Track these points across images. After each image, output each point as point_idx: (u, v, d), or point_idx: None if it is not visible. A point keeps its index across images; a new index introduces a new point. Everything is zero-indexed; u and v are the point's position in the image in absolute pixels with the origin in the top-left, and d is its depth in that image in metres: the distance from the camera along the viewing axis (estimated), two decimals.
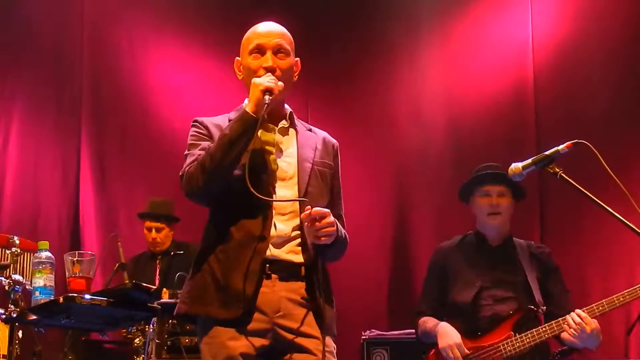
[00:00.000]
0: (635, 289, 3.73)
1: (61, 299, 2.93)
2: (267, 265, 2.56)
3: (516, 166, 2.80)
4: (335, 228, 2.54)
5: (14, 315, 3.10)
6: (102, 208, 6.10)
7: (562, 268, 5.45)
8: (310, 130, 2.83)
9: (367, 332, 5.21)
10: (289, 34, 2.74)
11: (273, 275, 2.57)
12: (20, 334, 3.78)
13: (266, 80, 2.58)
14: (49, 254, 3.10)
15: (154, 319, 4.23)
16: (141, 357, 4.56)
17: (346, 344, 5.20)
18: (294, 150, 2.71)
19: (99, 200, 6.10)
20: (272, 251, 2.57)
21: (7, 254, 3.78)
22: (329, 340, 2.59)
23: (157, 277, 5.50)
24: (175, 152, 6.05)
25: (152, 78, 6.37)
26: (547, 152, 2.75)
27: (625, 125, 5.44)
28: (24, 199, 5.98)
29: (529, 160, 2.77)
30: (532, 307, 3.88)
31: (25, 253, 3.85)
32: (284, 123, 2.74)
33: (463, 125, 5.92)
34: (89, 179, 6.10)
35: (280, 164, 2.67)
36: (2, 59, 6.13)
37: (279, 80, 2.62)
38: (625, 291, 3.74)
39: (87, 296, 2.97)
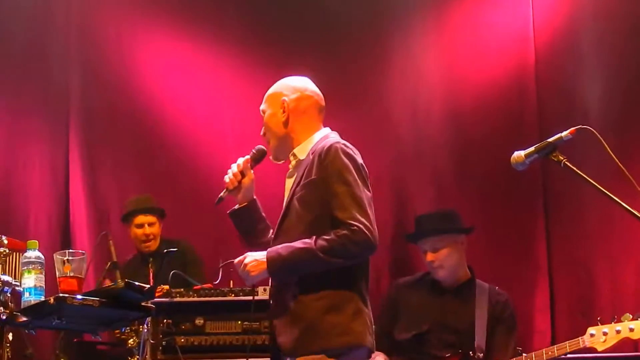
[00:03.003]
0: (577, 340, 3.80)
1: (52, 300, 2.86)
2: None
3: (519, 155, 2.73)
4: (241, 268, 2.81)
5: (4, 317, 3.03)
6: (93, 206, 6.02)
7: (569, 261, 5.35)
8: (313, 152, 2.84)
9: None
10: (272, 89, 3.04)
11: None
12: (10, 336, 3.73)
13: (225, 177, 2.99)
14: (39, 254, 3.03)
15: (148, 319, 4.17)
16: (135, 358, 4.51)
17: None
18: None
19: (89, 198, 6.02)
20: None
21: None
22: None
23: (152, 280, 5.41)
24: (166, 149, 6.04)
25: (141, 74, 6.28)
26: (550, 140, 2.69)
27: (627, 108, 5.35)
28: (12, 198, 5.92)
29: (532, 149, 2.71)
30: (470, 352, 3.92)
31: (14, 253, 3.79)
32: (290, 167, 2.91)
33: (462, 113, 5.77)
34: (78, 177, 6.03)
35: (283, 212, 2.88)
36: None
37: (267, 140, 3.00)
38: (571, 340, 3.82)
39: (79, 296, 2.90)
